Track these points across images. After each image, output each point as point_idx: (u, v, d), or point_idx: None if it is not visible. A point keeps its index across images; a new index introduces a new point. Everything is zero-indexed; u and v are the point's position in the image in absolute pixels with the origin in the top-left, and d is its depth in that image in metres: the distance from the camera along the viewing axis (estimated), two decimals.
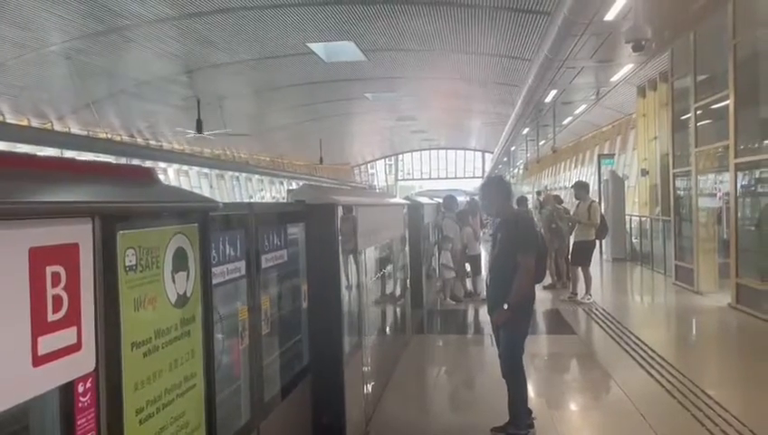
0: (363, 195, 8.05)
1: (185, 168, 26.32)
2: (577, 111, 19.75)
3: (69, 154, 18.52)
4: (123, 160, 22.41)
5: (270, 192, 31.95)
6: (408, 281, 7.90)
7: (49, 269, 1.34)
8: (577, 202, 10.57)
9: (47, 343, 1.32)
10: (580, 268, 10.22)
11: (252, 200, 25.98)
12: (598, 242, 11.99)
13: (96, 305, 1.50)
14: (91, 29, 12.58)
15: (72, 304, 1.41)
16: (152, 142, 23.46)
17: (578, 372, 6.71)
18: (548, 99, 15.64)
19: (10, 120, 16.37)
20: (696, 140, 10.54)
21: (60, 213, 1.37)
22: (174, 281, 1.90)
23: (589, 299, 9.97)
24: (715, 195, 11.00)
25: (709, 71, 10.32)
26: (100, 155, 20.49)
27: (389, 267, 6.58)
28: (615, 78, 14.00)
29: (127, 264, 1.64)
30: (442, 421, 5.19)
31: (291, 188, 18.33)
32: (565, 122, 21.88)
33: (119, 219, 1.59)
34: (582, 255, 10.14)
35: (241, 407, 3.08)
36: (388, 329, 6.44)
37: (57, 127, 18.19)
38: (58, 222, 1.37)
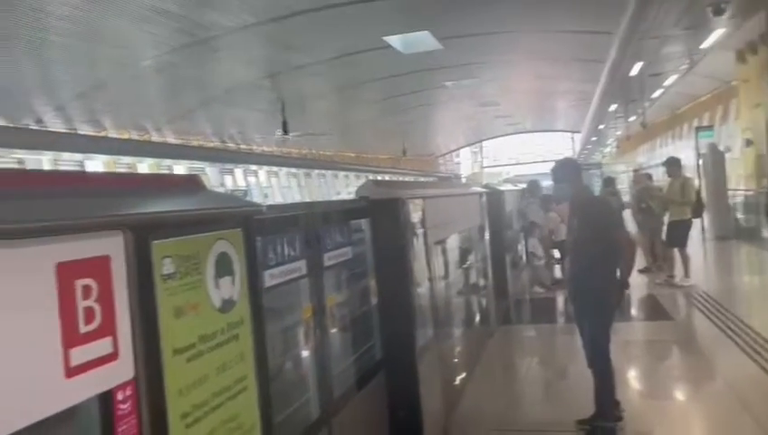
0: (436, 186, 7.95)
1: (275, 169, 27.18)
2: (667, 83, 18.61)
3: (166, 163, 19.66)
4: (217, 166, 23.56)
5: (355, 187, 32.45)
6: (491, 271, 7.75)
7: (78, 282, 1.39)
8: (670, 180, 9.95)
9: (80, 354, 1.37)
10: (676, 250, 9.64)
11: (333, 197, 26.46)
12: (697, 220, 11.24)
13: (132, 315, 1.55)
14: (180, 43, 13.21)
15: (106, 315, 1.46)
16: (242, 146, 24.39)
17: (674, 360, 6.32)
18: (633, 72, 14.81)
19: (112, 134, 17.51)
20: None
21: (86, 228, 1.42)
22: (218, 286, 1.94)
23: (687, 282, 9.38)
24: None
25: None
26: (195, 162, 21.61)
27: (467, 258, 6.47)
28: (706, 44, 13.03)
29: (164, 272, 1.68)
30: (525, 414, 5.06)
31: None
32: (655, 95, 20.67)
33: (151, 230, 1.64)
34: (678, 235, 9.54)
35: (310, 404, 3.13)
36: (468, 321, 6.34)
37: (155, 138, 19.30)
38: (86, 236, 1.43)
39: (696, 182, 15.87)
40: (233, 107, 19.64)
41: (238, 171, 25.31)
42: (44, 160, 15.63)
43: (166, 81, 15.57)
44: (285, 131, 19.46)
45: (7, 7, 9.56)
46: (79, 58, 12.64)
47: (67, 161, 16.47)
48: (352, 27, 14.03)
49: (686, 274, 9.50)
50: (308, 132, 20.35)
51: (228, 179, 24.64)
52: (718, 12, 6.57)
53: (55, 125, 15.37)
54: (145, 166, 18.76)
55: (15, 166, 14.01)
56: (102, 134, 17.17)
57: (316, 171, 30.39)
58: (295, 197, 27.43)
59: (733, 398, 4.88)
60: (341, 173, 31.96)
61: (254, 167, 25.94)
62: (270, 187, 27.19)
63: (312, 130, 20.61)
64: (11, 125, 13.83)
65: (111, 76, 14.21)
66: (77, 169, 16.02)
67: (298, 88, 18.93)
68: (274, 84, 18.02)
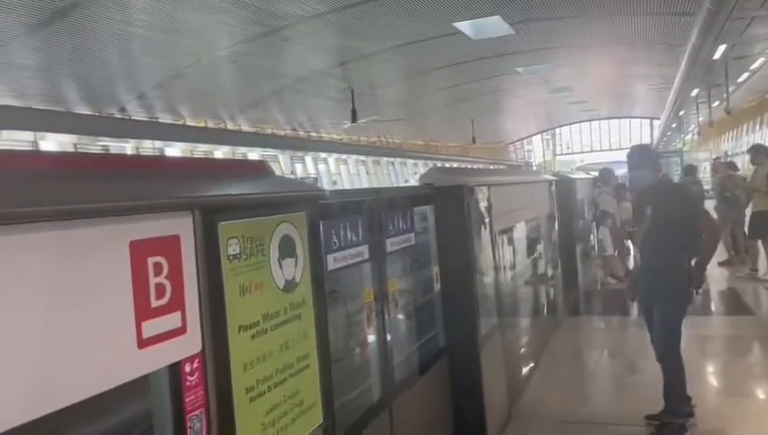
0: (503, 174, 7.85)
1: (344, 156, 27.49)
2: (754, 66, 17.52)
3: (241, 150, 20.24)
4: (288, 153, 24.07)
5: None
6: (560, 260, 7.61)
7: (150, 260, 1.48)
8: (754, 168, 9.41)
9: (151, 327, 1.47)
10: (760, 242, 9.14)
11: (400, 184, 26.50)
12: None
13: (200, 292, 1.63)
14: (253, 32, 13.52)
15: (176, 291, 1.55)
16: (313, 134, 24.79)
17: (753, 357, 6.02)
18: (716, 56, 14.02)
19: (189, 122, 18.19)
20: None
21: (158, 209, 1.51)
22: (281, 267, 2.01)
23: None
24: None
25: None
26: (268, 149, 22.15)
27: (535, 247, 6.37)
28: None
29: (230, 253, 1.76)
30: (591, 406, 4.96)
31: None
32: (741, 79, 19.52)
33: (219, 212, 1.71)
34: (762, 226, 9.02)
35: (372, 386, 3.19)
36: (535, 311, 6.26)
37: (230, 126, 19.92)
38: (158, 217, 1.51)
39: None
40: (304, 95, 19.95)
41: (308, 159, 25.75)
42: (127, 147, 16.41)
43: (239, 70, 15.97)
44: (354, 119, 19.64)
45: (93, 1, 10.07)
46: (158, 49, 13.17)
47: (148, 148, 17.24)
48: (422, 13, 13.93)
49: None
50: (376, 118, 20.41)
51: (299, 167, 25.14)
52: None
53: (137, 114, 16.11)
54: (220, 154, 19.40)
55: (100, 152, 14.78)
56: (180, 123, 17.86)
57: (385, 159, 30.52)
58: (364, 184, 27.67)
59: None
60: (410, 161, 31.96)
61: (323, 154, 26.33)
62: (339, 174, 27.54)
63: (379, 117, 20.65)
64: (96, 113, 14.61)
65: (188, 66, 14.72)
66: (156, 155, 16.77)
67: (367, 76, 19.02)
68: (344, 72, 18.18)
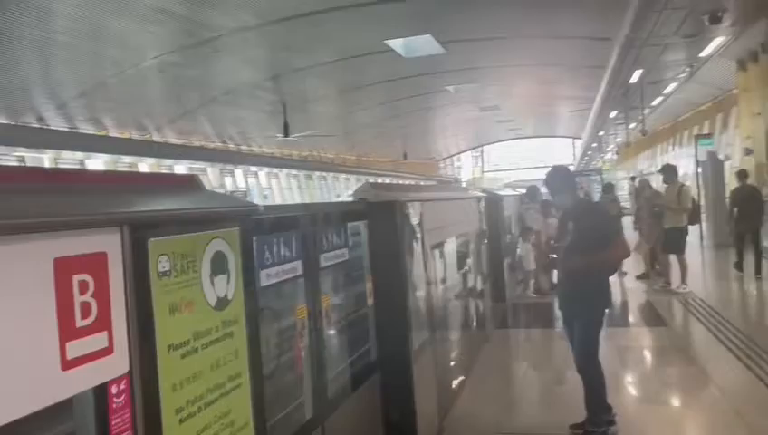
0: (435, 190, 7.99)
1: (275, 170, 27.19)
2: (667, 91, 18.67)
3: (166, 163, 19.68)
4: (217, 166, 23.59)
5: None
6: (488, 275, 7.78)
7: (76, 278, 1.42)
8: (665, 186, 9.99)
9: (76, 348, 1.41)
10: (673, 256, 9.70)
11: (333, 199, 26.48)
12: (696, 227, 11.29)
13: (128, 311, 1.58)
14: (182, 43, 13.25)
15: (102, 310, 1.49)
16: (243, 147, 24.42)
17: (667, 366, 6.33)
18: (633, 79, 14.87)
19: (113, 133, 17.55)
20: None
21: (84, 225, 1.46)
22: (213, 284, 1.97)
23: (684, 289, 9.41)
24: None
25: None
26: (196, 162, 21.63)
27: (465, 261, 6.50)
28: (705, 53, 13.12)
29: (160, 270, 1.71)
30: (520, 417, 5.08)
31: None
32: (655, 103, 20.74)
33: (148, 228, 1.67)
34: (675, 242, 9.59)
35: (304, 404, 3.15)
36: (464, 324, 6.36)
37: (156, 138, 19.34)
38: (84, 233, 1.46)
39: (695, 190, 15.94)
40: (234, 108, 19.68)
41: (239, 172, 25.33)
42: (45, 159, 15.65)
43: (168, 81, 15.60)
44: (286, 133, 19.51)
45: (12, 5, 9.60)
46: (81, 57, 12.69)
47: (68, 160, 16.50)
48: (355, 30, 14.07)
49: (684, 280, 9.53)
50: (309, 133, 20.36)
51: (228, 181, 24.67)
52: (715, 20, 6.64)
53: (56, 123, 15.41)
54: (146, 166, 18.79)
55: (16, 163, 14.04)
56: (103, 133, 17.21)
57: (317, 174, 30.42)
58: (295, 198, 27.44)
59: (726, 405, 4.90)
60: (342, 176, 31.98)
61: (254, 168, 25.96)
62: (270, 188, 27.22)
63: (312, 132, 20.63)
64: (12, 123, 13.87)
65: (113, 75, 14.25)
66: (77, 167, 16.07)
67: (300, 90, 18.97)
68: (276, 86, 18.07)
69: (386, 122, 27.46)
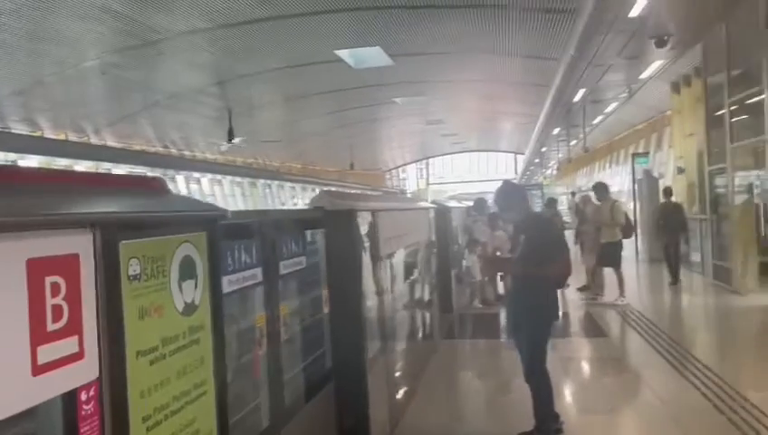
0: (387, 200, 8.05)
1: (218, 177, 26.69)
2: (608, 110, 19.44)
3: (105, 166, 19.03)
4: (159, 171, 22.97)
5: (302, 199, 32.18)
6: (437, 286, 7.87)
7: (48, 280, 1.37)
8: (599, 203, 10.41)
9: (47, 353, 1.35)
10: (608, 270, 10.13)
11: (281, 208, 26.24)
12: (632, 243, 11.82)
13: (98, 315, 1.53)
14: (125, 44, 12.88)
15: (73, 314, 1.44)
16: (186, 153, 23.90)
17: (608, 375, 6.54)
18: (576, 98, 15.42)
19: (48, 134, 16.86)
20: (731, 136, 10.27)
21: (57, 225, 1.40)
22: (181, 289, 1.93)
23: (623, 301, 9.77)
24: (753, 191, 10.70)
25: (743, 65, 10.04)
26: (136, 167, 21.01)
27: (416, 272, 6.55)
28: (645, 75, 13.79)
29: (130, 273, 1.67)
30: (469, 426, 5.14)
31: None
32: (596, 121, 21.54)
33: (120, 230, 1.62)
34: (610, 256, 9.99)
35: (261, 412, 3.11)
36: (414, 334, 6.41)
37: (94, 140, 18.69)
38: (57, 234, 1.40)
39: (631, 206, 16.61)
40: (178, 112, 19.26)
41: (180, 178, 24.73)
42: None
43: (108, 82, 15.12)
44: (231, 139, 19.25)
45: None
46: (17, 54, 12.16)
47: None
48: (303, 39, 14.02)
49: (621, 293, 9.89)
50: (254, 139, 20.13)
51: (170, 186, 24.05)
52: (661, 44, 6.98)
53: None
54: (82, 168, 18.12)
55: None
56: (38, 134, 16.51)
57: (262, 181, 30.03)
58: (239, 206, 27.00)
59: (663, 411, 5.11)
60: (288, 184, 31.68)
61: (197, 174, 25.41)
62: (213, 195, 26.69)
63: (258, 139, 20.41)
64: None
65: (51, 74, 13.72)
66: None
67: (246, 96, 18.75)
68: (222, 91, 17.80)
69: (333, 131, 27.42)
